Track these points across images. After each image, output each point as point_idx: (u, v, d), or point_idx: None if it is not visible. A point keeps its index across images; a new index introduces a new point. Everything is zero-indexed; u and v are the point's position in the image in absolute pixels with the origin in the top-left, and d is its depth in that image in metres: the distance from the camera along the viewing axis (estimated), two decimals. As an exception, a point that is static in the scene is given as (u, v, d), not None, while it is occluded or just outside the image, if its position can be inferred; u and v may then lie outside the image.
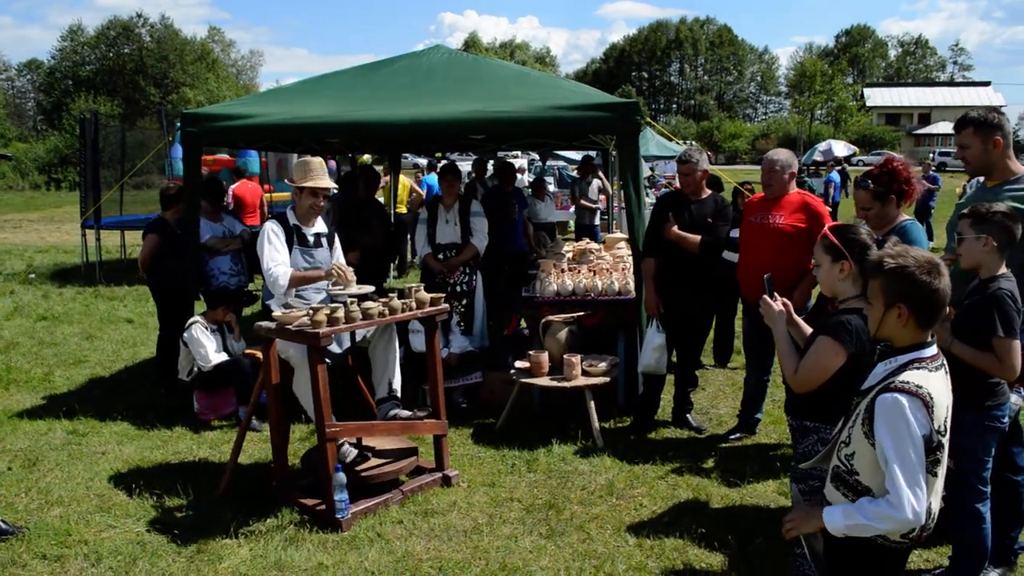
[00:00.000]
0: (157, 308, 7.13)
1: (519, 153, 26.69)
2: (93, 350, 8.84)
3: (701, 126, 77.04)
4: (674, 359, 6.12)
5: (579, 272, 6.67)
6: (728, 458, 5.47)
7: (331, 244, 5.36)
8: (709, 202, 5.85)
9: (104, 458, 5.59)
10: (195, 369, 6.37)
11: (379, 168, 12.91)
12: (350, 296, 4.76)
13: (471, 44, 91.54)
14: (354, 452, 4.77)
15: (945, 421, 2.35)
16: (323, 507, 4.51)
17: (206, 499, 4.87)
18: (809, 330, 3.23)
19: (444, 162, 9.70)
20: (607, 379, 5.85)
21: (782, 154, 5.50)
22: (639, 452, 5.53)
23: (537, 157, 26.43)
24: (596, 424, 5.71)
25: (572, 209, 13.98)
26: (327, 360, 4.99)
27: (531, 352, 6.02)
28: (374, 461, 4.90)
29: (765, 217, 5.38)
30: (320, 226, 5.33)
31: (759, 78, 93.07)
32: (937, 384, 2.35)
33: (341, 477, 4.42)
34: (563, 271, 6.69)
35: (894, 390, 2.30)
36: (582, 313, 6.28)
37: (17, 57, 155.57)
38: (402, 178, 12.29)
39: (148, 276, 6.99)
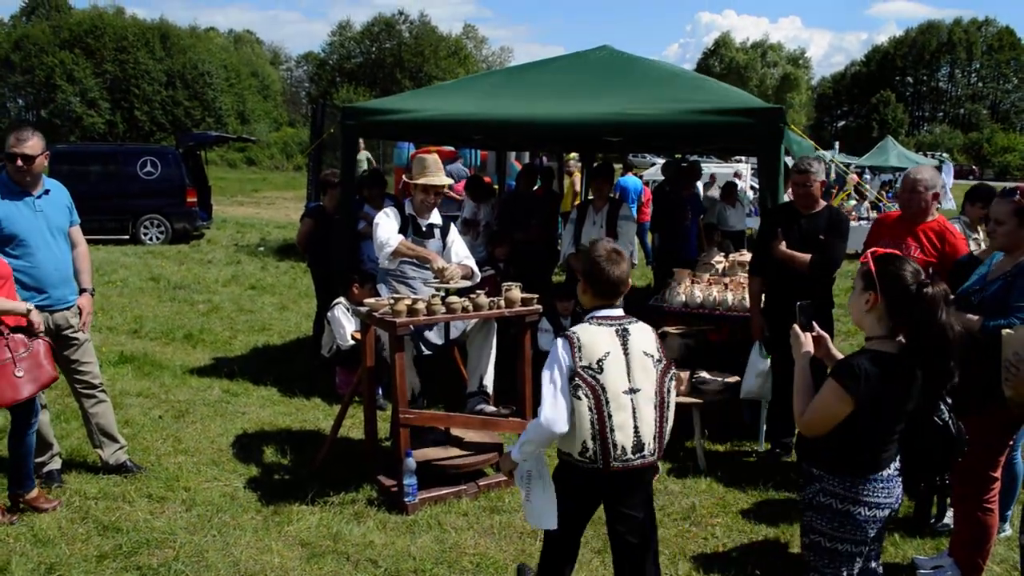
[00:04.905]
0: (314, 287, 7.72)
1: (742, 159, 25.62)
2: (280, 320, 9.71)
3: (968, 137, 69.80)
4: None
5: (711, 284, 6.37)
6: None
7: (444, 235, 5.52)
8: (822, 216, 5.33)
9: (242, 418, 6.15)
10: (335, 346, 6.82)
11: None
12: (439, 288, 4.90)
13: (721, 44, 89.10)
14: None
15: (599, 362, 2.87)
16: (396, 489, 4.69)
17: (306, 466, 5.23)
18: None
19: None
20: (714, 399, 5.56)
21: (926, 172, 4.88)
22: (743, 480, 5.20)
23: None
24: (700, 444, 5.45)
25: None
26: (426, 350, 5.21)
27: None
28: (454, 452, 5.01)
29: (899, 245, 4.78)
30: (435, 218, 5.51)
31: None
32: (595, 335, 2.93)
33: (411, 462, 4.57)
34: (695, 281, 6.42)
35: (561, 336, 2.95)
36: (703, 328, 6.00)
37: (298, 50, 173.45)
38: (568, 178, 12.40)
39: (308, 257, 7.57)
